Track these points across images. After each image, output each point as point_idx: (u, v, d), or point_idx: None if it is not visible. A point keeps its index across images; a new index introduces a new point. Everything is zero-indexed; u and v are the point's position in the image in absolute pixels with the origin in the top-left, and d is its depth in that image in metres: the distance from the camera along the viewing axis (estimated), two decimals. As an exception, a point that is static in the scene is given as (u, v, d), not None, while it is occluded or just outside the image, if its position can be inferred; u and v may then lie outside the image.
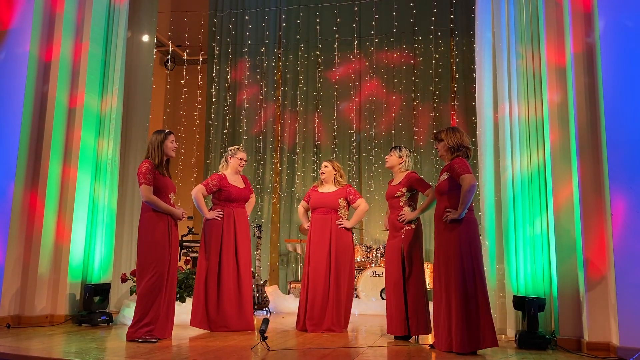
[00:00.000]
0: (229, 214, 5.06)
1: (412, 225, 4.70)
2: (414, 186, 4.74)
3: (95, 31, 5.77)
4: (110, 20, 6.00)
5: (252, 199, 5.38)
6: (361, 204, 5.23)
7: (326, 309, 4.95)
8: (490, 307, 4.73)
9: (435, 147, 4.43)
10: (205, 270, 4.96)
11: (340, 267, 5.05)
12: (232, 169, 5.21)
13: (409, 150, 4.98)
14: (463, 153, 4.18)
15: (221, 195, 5.10)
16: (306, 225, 5.30)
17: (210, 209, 5.12)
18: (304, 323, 5.03)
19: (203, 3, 9.66)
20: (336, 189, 5.24)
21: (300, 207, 5.44)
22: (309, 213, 5.33)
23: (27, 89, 5.32)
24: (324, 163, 5.38)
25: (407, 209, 4.72)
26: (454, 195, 4.08)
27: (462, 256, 3.97)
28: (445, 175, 4.18)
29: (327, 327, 4.91)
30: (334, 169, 5.28)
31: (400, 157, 4.88)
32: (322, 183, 5.33)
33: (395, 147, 4.98)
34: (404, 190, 4.75)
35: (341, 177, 5.30)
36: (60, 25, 5.57)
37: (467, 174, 4.02)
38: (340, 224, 5.11)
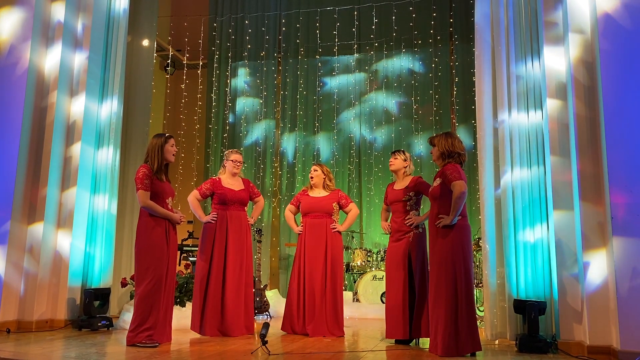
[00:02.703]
0: (222, 217, 5.06)
1: (420, 229, 4.72)
2: (422, 190, 4.74)
3: (95, 36, 5.79)
4: (110, 24, 6.02)
5: (260, 202, 5.38)
6: (353, 208, 5.31)
7: (325, 313, 4.96)
8: (491, 310, 4.77)
9: (431, 152, 4.45)
10: (200, 274, 4.95)
11: (336, 271, 5.08)
12: (228, 171, 5.22)
13: (410, 155, 5.01)
14: (455, 159, 4.19)
15: (216, 198, 5.11)
16: (296, 229, 5.31)
17: (210, 213, 5.13)
18: (289, 326, 5.07)
19: (203, 7, 9.66)
20: (327, 193, 5.28)
21: (289, 212, 5.44)
22: (296, 217, 5.39)
23: (27, 95, 5.33)
24: (313, 167, 5.40)
25: (413, 213, 4.74)
26: (446, 201, 4.10)
27: (454, 262, 3.99)
28: (438, 181, 4.20)
29: (328, 332, 4.92)
30: (323, 173, 5.31)
31: (405, 160, 4.90)
32: (311, 187, 5.34)
33: (399, 151, 4.99)
34: (411, 194, 4.76)
35: (330, 181, 5.33)
36: (60, 30, 5.60)
37: (459, 180, 4.03)
38: (334, 228, 5.15)
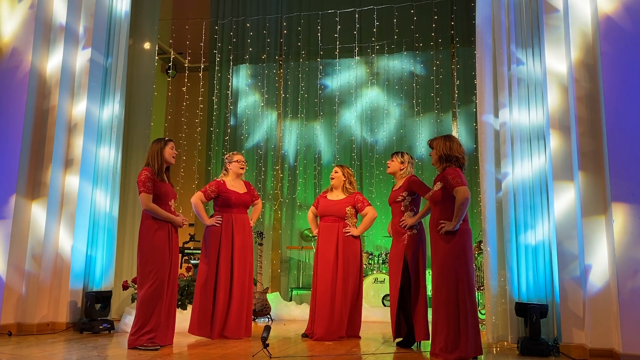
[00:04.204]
0: (228, 219, 5.04)
1: (414, 231, 4.67)
2: (414, 189, 4.70)
3: (97, 39, 5.80)
4: (111, 27, 6.03)
5: (258, 205, 5.35)
6: (369, 211, 5.18)
7: (333, 318, 4.92)
8: (492, 313, 4.76)
9: (430, 155, 4.42)
10: (204, 277, 4.93)
11: (349, 275, 5.01)
12: (233, 174, 5.18)
13: (411, 157, 4.95)
14: (454, 163, 4.16)
15: (220, 201, 5.07)
16: (315, 231, 5.28)
17: (212, 216, 5.11)
18: (308, 330, 5.03)
19: (204, 10, 9.69)
20: (344, 196, 5.20)
21: (310, 213, 5.41)
22: (318, 219, 5.32)
23: (29, 97, 5.34)
24: (335, 168, 5.31)
25: (408, 214, 4.70)
26: (448, 206, 4.08)
27: (456, 267, 3.98)
28: (438, 185, 4.17)
29: (335, 336, 4.89)
30: (343, 175, 5.23)
31: (402, 162, 4.85)
32: (332, 189, 5.30)
33: (397, 153, 4.96)
34: (404, 194, 4.71)
35: (350, 184, 5.23)
36: (62, 33, 5.61)
37: (461, 186, 4.00)
38: (348, 232, 5.08)
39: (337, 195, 5.22)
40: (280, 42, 9.39)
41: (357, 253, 5.12)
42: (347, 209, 5.14)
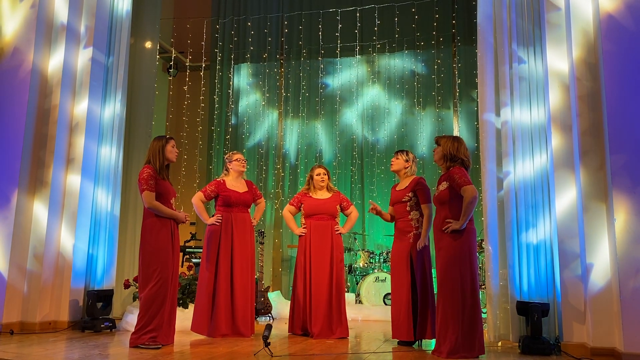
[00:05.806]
0: (227, 219, 5.04)
1: (420, 230, 4.69)
2: (418, 194, 4.72)
3: (98, 38, 5.80)
4: (113, 26, 6.03)
5: (261, 204, 5.36)
6: (353, 210, 5.37)
7: (332, 316, 4.96)
8: (493, 312, 4.76)
9: (433, 151, 4.42)
10: (205, 276, 4.94)
11: (340, 272, 5.10)
12: (234, 172, 5.19)
13: (415, 156, 4.98)
14: (458, 164, 4.15)
15: (220, 200, 5.09)
16: (298, 231, 5.28)
17: (213, 215, 5.12)
18: (298, 327, 5.07)
19: (205, 9, 9.69)
20: (330, 195, 5.29)
21: (288, 213, 5.38)
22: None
23: (31, 96, 5.35)
24: (322, 170, 5.34)
25: (414, 213, 4.72)
26: (455, 205, 4.07)
27: (461, 265, 3.97)
28: (444, 185, 4.16)
29: (337, 334, 4.91)
30: (328, 175, 5.35)
31: (407, 161, 4.87)
32: (313, 188, 5.32)
33: (401, 151, 4.97)
34: (410, 194, 4.74)
35: (331, 182, 5.40)
36: (63, 32, 5.61)
37: (469, 185, 4.00)
38: (337, 230, 5.17)
39: (322, 195, 5.29)
40: (282, 41, 9.39)
41: (343, 250, 5.27)
42: (336, 207, 5.24)
